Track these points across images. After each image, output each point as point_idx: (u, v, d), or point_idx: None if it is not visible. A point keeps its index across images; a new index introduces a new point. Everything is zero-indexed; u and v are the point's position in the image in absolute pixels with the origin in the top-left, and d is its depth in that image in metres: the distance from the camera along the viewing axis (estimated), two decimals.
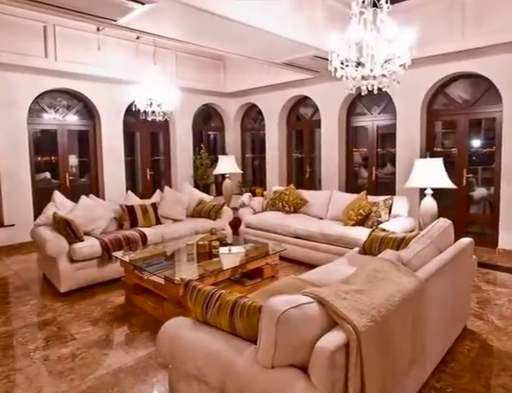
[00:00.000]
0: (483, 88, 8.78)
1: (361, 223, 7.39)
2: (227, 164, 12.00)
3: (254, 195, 11.42)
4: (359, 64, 5.19)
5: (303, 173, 12.82)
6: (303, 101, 12.49)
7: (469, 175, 9.19)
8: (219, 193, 13.24)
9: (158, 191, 8.94)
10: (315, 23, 7.89)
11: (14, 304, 6.10)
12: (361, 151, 11.55)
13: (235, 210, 9.69)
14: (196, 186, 12.54)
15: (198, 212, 8.88)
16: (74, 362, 4.41)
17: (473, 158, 9.35)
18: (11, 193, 9.54)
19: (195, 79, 12.42)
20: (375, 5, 5.08)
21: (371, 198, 7.72)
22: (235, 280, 6.14)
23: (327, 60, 5.35)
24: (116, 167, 11.39)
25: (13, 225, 9.49)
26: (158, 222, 8.10)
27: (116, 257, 6.37)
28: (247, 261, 6.02)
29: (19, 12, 8.51)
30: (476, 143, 9.43)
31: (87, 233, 6.94)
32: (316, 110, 11.88)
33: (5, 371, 4.27)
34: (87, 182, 11.48)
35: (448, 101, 9.46)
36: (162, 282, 5.25)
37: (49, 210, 7.05)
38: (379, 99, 10.29)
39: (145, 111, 8.94)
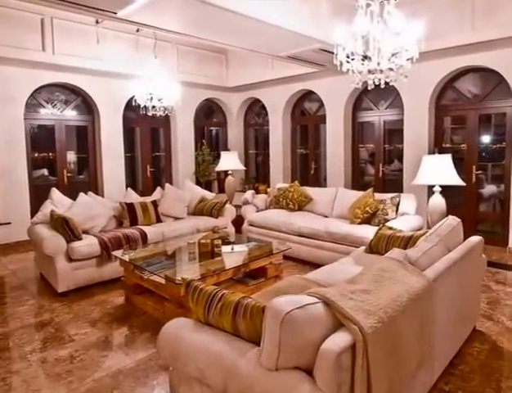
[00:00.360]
0: (494, 82, 8.75)
1: (367, 221, 7.39)
2: (230, 161, 12.00)
3: (258, 192, 11.39)
4: (365, 57, 5.18)
5: (308, 169, 12.82)
6: (308, 95, 12.48)
7: (479, 172, 9.18)
8: (221, 190, 13.24)
9: (158, 189, 8.94)
10: (320, 15, 7.87)
11: (10, 305, 6.11)
12: (367, 147, 11.54)
13: (237, 207, 9.68)
14: (198, 183, 12.54)
15: (200, 210, 8.87)
16: (73, 364, 4.41)
17: (483, 154, 9.33)
18: (8, 190, 9.56)
19: (197, 73, 12.40)
20: None
21: (378, 195, 7.70)
22: (237, 280, 6.15)
23: (333, 53, 5.33)
24: (115, 163, 11.40)
25: (9, 223, 9.51)
26: (158, 220, 8.09)
27: (115, 256, 6.37)
28: (250, 260, 6.01)
29: (15, 4, 8.52)
30: (486, 139, 9.42)
31: (86, 232, 6.94)
32: (322, 104, 11.87)
33: (1, 373, 4.27)
34: (86, 179, 11.51)
35: (457, 96, 9.44)
36: (163, 281, 5.24)
37: (46, 208, 7.05)
38: (386, 94, 10.27)
39: (145, 106, 8.92)
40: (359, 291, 2.86)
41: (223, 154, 12.20)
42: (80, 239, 6.60)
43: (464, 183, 7.40)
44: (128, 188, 8.84)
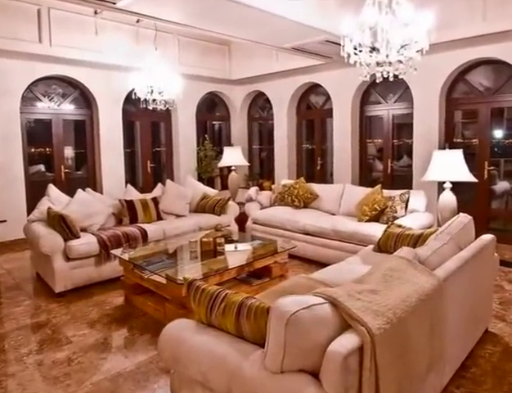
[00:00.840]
0: (506, 74, 8.73)
1: (375, 218, 7.38)
2: (233, 156, 11.98)
3: (262, 189, 11.39)
4: (373, 49, 5.16)
5: (314, 165, 12.82)
6: (314, 88, 12.47)
7: (491, 168, 9.16)
8: (224, 187, 13.26)
9: (159, 185, 8.95)
10: (326, 5, 7.85)
11: (6, 306, 6.12)
12: (375, 143, 11.53)
13: (241, 204, 9.70)
14: (200, 179, 12.54)
15: (202, 207, 8.88)
16: (70, 367, 4.42)
17: (495, 149, 9.31)
18: (3, 187, 9.56)
19: (199, 65, 12.39)
20: None
21: (387, 192, 7.69)
22: (241, 279, 6.14)
23: (339, 45, 5.32)
24: (115, 159, 11.41)
25: (5, 221, 9.52)
26: (159, 217, 8.10)
27: (115, 255, 6.38)
28: (254, 259, 6.00)
29: None
30: (498, 134, 9.39)
31: (84, 230, 6.94)
32: (328, 98, 11.87)
33: None
34: (84, 175, 11.53)
35: (469, 89, 9.42)
36: (163, 281, 5.24)
37: (43, 205, 7.05)
38: (395, 87, 10.24)
39: (145, 100, 8.88)
40: (367, 292, 2.86)
41: (226, 149, 12.18)
42: (78, 237, 6.60)
43: (475, 180, 7.38)
44: (128, 185, 8.86)
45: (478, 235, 4.66)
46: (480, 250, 4.25)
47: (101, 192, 10.50)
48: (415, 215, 7.30)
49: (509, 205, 9.41)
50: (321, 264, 6.78)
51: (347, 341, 2.41)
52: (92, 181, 11.32)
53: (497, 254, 4.88)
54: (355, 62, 5.30)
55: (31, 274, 7.47)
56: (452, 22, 8.08)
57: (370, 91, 11.15)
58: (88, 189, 7.87)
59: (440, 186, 8.15)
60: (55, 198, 7.28)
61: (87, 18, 9.90)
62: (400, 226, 5.72)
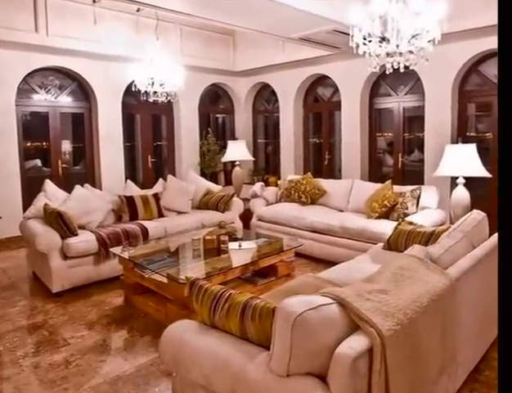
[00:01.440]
0: None
1: (385, 215, 7.36)
2: (237, 151, 11.97)
3: (267, 184, 11.37)
4: (383, 39, 5.16)
5: (322, 160, 12.81)
6: (322, 80, 12.44)
7: None
8: (228, 183, 13.25)
9: (160, 181, 8.95)
10: None
11: (1, 306, 6.12)
12: (385, 136, 11.51)
13: (245, 201, 9.67)
14: (203, 174, 12.52)
15: (205, 203, 8.88)
16: (68, 369, 4.42)
17: None
18: None
19: (202, 56, 12.37)
20: None
21: (397, 188, 7.66)
22: (246, 279, 6.15)
23: (348, 35, 5.32)
24: (114, 153, 11.41)
25: (0, 218, 9.53)
26: (160, 214, 8.09)
27: (114, 253, 6.38)
28: (259, 258, 6.01)
29: None
30: None
31: (82, 227, 6.93)
32: (336, 90, 11.85)
33: None
34: (82, 171, 11.54)
35: (482, 81, 9.38)
36: (165, 281, 5.25)
37: (40, 201, 7.05)
38: (406, 78, 10.22)
39: (146, 92, 8.86)
40: (376, 291, 2.86)
41: (230, 143, 12.18)
42: (76, 235, 6.59)
43: (489, 175, 7.36)
44: (128, 180, 8.86)
45: (492, 233, 4.63)
46: (494, 248, 4.23)
47: (100, 188, 10.50)
48: (426, 212, 7.29)
49: None
50: (329, 263, 6.78)
51: (356, 343, 2.41)
52: (90, 176, 11.33)
53: None
54: (364, 53, 5.29)
55: (27, 273, 7.47)
56: (465, 11, 8.04)
57: (380, 82, 11.12)
58: (87, 185, 7.86)
59: (453, 181, 8.14)
60: (52, 194, 7.28)
61: (86, 7, 9.90)
62: (411, 223, 5.72)
